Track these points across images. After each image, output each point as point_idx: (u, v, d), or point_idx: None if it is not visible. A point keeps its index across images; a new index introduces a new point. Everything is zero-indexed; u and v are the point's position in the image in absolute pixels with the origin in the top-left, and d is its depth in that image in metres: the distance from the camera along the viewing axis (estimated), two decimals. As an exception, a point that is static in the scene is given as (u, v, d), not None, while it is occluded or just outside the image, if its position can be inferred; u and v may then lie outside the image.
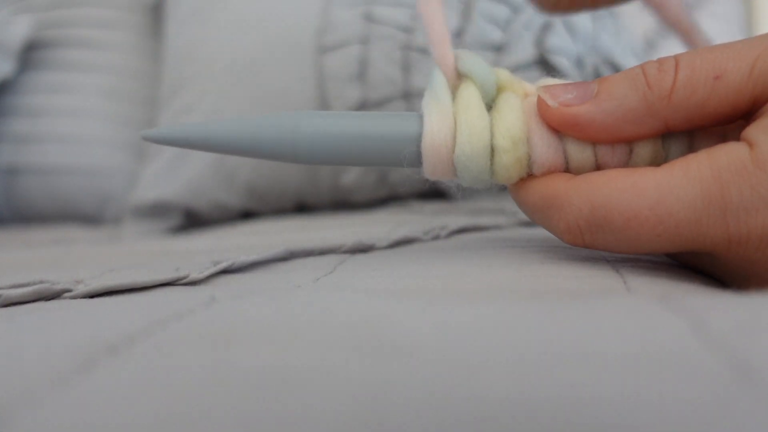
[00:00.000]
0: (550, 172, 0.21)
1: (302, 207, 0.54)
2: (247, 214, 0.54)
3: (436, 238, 0.30)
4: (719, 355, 0.11)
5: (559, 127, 0.20)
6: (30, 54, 0.65)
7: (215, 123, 0.22)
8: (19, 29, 0.63)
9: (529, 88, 0.22)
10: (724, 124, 0.20)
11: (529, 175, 0.21)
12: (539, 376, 0.10)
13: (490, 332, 0.12)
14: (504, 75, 0.22)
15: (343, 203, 0.52)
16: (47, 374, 0.11)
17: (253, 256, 0.25)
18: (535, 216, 0.22)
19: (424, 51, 0.48)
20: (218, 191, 0.53)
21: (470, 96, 0.21)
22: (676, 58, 0.20)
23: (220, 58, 0.55)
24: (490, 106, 0.22)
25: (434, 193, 0.50)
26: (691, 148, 0.20)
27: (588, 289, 0.18)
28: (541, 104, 0.21)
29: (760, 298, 0.14)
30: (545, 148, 0.21)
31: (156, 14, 0.69)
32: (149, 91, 0.66)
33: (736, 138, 0.19)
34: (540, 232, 0.29)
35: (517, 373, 0.10)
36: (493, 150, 0.21)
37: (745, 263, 0.19)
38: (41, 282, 0.22)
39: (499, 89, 0.22)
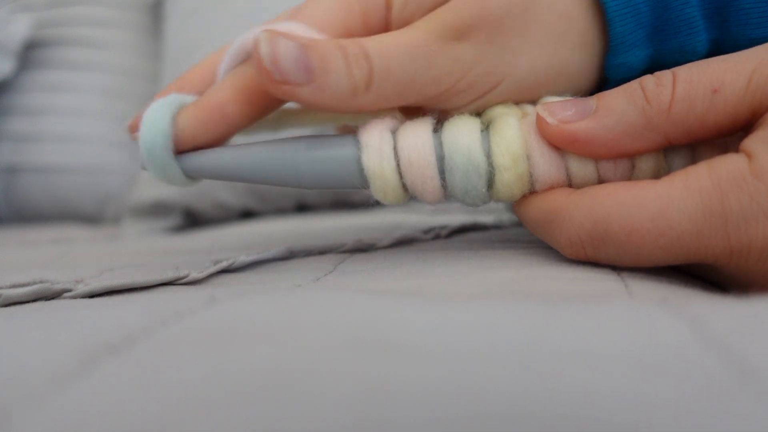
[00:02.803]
0: (552, 188, 0.21)
1: (302, 207, 0.54)
2: (247, 214, 0.54)
3: (437, 237, 0.30)
4: (719, 357, 0.11)
5: (559, 144, 0.20)
6: (29, 53, 0.65)
7: (222, 151, 0.22)
8: (19, 28, 0.63)
9: (527, 108, 0.22)
10: (724, 136, 0.20)
11: (532, 192, 0.21)
12: (539, 377, 0.10)
13: (490, 332, 0.12)
14: (498, 107, 0.22)
15: (343, 203, 0.52)
16: (47, 374, 0.11)
17: (253, 256, 0.25)
18: (538, 231, 0.22)
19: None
20: (218, 191, 0.53)
21: (461, 119, 0.22)
22: (674, 72, 0.20)
23: (220, 58, 0.55)
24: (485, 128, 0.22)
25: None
26: (693, 161, 0.20)
27: (588, 291, 0.18)
28: (540, 122, 0.21)
29: (759, 301, 0.14)
30: (547, 166, 0.21)
31: (155, 13, 0.69)
32: (149, 90, 0.66)
33: (737, 149, 0.19)
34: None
35: (517, 373, 0.10)
36: (493, 169, 0.21)
37: (746, 274, 0.19)
38: (41, 282, 0.22)
39: (495, 114, 0.22)
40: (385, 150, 0.21)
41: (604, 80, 0.24)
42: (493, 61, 0.21)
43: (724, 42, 0.23)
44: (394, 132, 0.22)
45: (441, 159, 0.21)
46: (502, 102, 0.22)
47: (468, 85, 0.21)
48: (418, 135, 0.21)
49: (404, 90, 0.21)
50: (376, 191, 0.22)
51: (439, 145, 0.21)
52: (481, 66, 0.21)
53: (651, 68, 0.23)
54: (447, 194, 0.22)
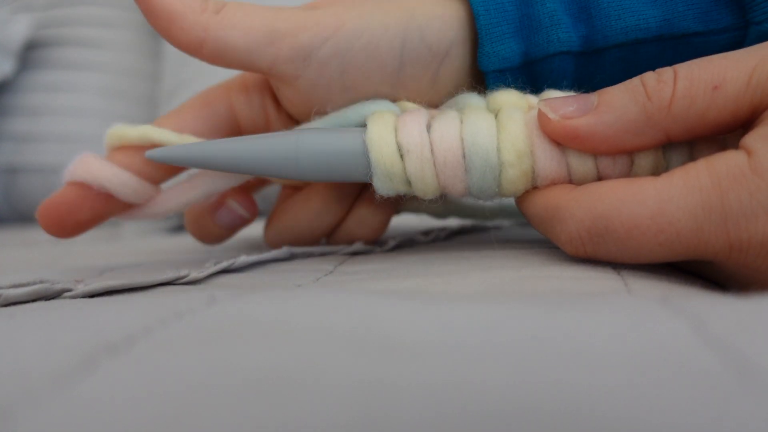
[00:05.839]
0: (553, 184, 0.21)
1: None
2: (246, 214, 0.54)
3: (436, 238, 0.30)
4: (719, 355, 0.11)
5: (560, 140, 0.21)
6: (29, 53, 0.65)
7: (218, 142, 0.22)
8: (19, 28, 0.63)
9: (533, 100, 0.22)
10: (724, 133, 0.20)
11: (534, 187, 0.21)
12: (539, 376, 0.10)
13: (490, 331, 0.12)
14: (506, 94, 0.22)
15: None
16: (47, 374, 0.11)
17: (253, 256, 0.25)
18: (539, 227, 0.22)
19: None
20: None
21: (480, 117, 0.22)
22: (675, 69, 0.20)
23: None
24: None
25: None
26: (692, 158, 0.21)
27: (589, 290, 0.18)
28: (541, 117, 0.21)
29: (759, 299, 0.14)
30: (548, 161, 0.21)
31: (156, 13, 0.69)
32: (149, 91, 0.66)
33: (736, 146, 0.19)
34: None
35: (517, 372, 0.10)
36: (500, 165, 0.21)
37: (746, 270, 0.19)
38: (41, 282, 0.22)
39: (502, 105, 0.22)
40: (425, 154, 0.21)
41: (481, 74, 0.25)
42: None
43: (594, 36, 0.24)
44: (428, 128, 0.22)
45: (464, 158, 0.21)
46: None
47: None
48: (452, 137, 0.21)
49: None
50: (417, 192, 0.22)
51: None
52: None
53: (528, 63, 0.24)
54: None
